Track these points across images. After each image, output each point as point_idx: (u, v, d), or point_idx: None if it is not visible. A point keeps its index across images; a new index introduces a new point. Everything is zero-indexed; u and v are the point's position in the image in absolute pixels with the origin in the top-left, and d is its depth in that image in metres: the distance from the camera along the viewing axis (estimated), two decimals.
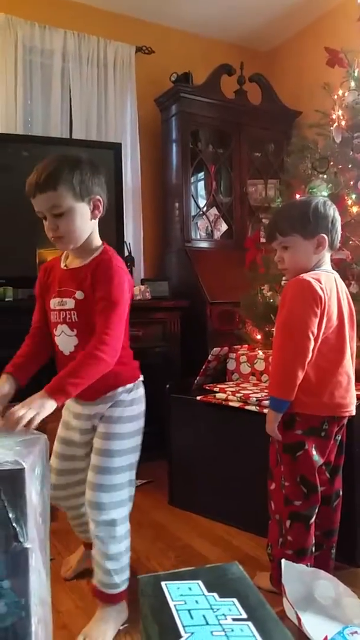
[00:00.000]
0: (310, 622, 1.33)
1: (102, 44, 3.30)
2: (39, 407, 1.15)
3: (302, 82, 3.66)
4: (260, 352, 2.44)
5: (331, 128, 2.38)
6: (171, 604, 0.69)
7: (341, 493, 1.62)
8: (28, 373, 1.42)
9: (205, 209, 3.51)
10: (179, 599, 0.70)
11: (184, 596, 0.70)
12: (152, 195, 3.55)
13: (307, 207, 1.52)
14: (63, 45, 3.18)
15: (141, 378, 1.51)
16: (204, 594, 0.70)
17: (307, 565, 1.50)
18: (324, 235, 1.51)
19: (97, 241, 1.43)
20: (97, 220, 1.41)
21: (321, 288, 1.46)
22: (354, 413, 1.55)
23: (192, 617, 0.65)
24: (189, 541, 1.98)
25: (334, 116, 2.41)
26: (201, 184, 3.62)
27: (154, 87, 3.45)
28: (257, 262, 2.73)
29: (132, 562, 1.75)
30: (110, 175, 2.96)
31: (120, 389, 1.43)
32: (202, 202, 3.55)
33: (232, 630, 0.64)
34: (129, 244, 3.24)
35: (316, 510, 1.52)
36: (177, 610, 0.67)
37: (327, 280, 1.50)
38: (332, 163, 2.37)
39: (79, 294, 1.36)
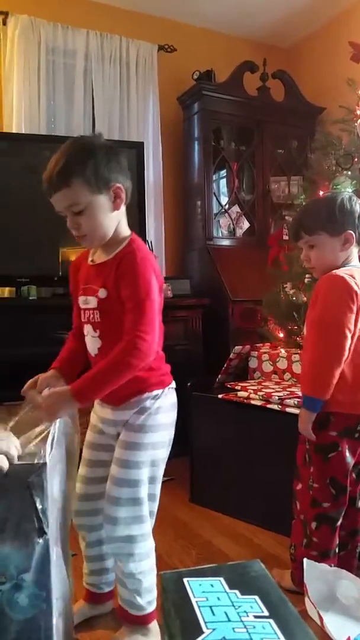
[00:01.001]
0: (333, 622, 1.32)
1: (124, 43, 3.31)
2: (60, 405, 1.15)
3: (326, 78, 3.62)
4: (283, 351, 2.42)
5: (355, 124, 2.35)
6: (193, 600, 0.69)
7: None
8: (74, 369, 1.37)
9: (227, 206, 3.50)
10: (201, 596, 0.70)
11: (206, 593, 0.70)
12: (174, 194, 3.55)
13: (332, 203, 1.49)
14: (85, 45, 3.20)
15: (172, 385, 1.37)
16: (225, 591, 0.70)
17: (330, 566, 1.48)
18: (351, 232, 1.48)
19: (125, 232, 1.31)
20: (122, 210, 1.29)
21: (356, 284, 1.42)
22: None
23: (213, 614, 0.66)
24: (210, 539, 1.98)
25: (358, 112, 2.38)
26: (223, 182, 3.61)
27: (176, 85, 3.45)
28: (279, 260, 2.72)
29: None
30: (133, 174, 2.91)
31: (145, 395, 1.30)
32: (224, 200, 3.54)
33: (254, 627, 0.64)
34: (151, 242, 3.26)
35: (343, 512, 1.49)
36: (199, 607, 0.68)
37: (359, 275, 1.47)
38: (356, 159, 2.34)
39: (101, 292, 1.26)
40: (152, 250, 3.20)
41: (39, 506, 0.92)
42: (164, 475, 2.55)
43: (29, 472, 0.93)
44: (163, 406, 1.32)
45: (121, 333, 1.22)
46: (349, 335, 1.40)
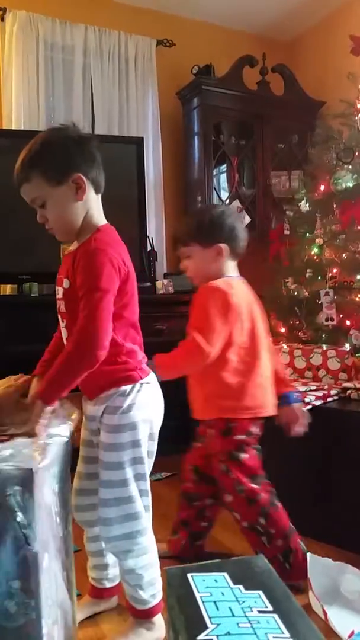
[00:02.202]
0: (337, 616, 1.33)
1: (122, 38, 3.29)
2: (37, 417, 1.13)
3: (326, 72, 3.61)
4: (285, 346, 2.42)
5: (356, 118, 2.35)
6: (197, 595, 0.69)
7: None
8: None
9: (227, 201, 3.49)
10: (205, 591, 0.70)
11: (210, 588, 0.71)
12: (174, 189, 3.54)
13: (204, 216, 1.59)
14: (84, 40, 3.19)
15: (146, 380, 1.32)
16: (229, 586, 0.70)
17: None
18: (222, 245, 1.57)
19: (96, 222, 1.27)
20: (89, 200, 1.25)
21: (233, 293, 1.53)
22: (272, 413, 1.62)
23: (218, 609, 0.66)
24: (214, 534, 1.97)
25: (359, 106, 2.37)
26: (223, 177, 3.60)
27: (175, 80, 3.44)
28: (281, 255, 2.71)
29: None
30: (133, 169, 2.96)
31: (112, 391, 1.27)
32: (224, 195, 3.53)
33: (258, 622, 0.64)
34: (152, 238, 3.25)
35: (274, 493, 1.58)
36: (203, 602, 0.68)
37: (237, 285, 1.59)
38: (357, 153, 2.33)
39: (65, 282, 1.25)
40: (153, 246, 3.20)
41: (19, 520, 0.90)
42: (167, 471, 2.56)
43: (13, 478, 0.89)
44: (136, 403, 1.28)
45: None
46: (220, 342, 1.50)
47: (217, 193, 3.47)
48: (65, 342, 1.31)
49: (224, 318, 1.51)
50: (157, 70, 3.41)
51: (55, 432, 1.13)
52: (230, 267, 1.64)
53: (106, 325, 1.17)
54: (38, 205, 1.24)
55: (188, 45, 3.52)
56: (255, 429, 1.60)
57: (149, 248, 3.12)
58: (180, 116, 3.52)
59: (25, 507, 0.91)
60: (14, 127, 2.96)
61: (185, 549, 1.75)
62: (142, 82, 3.36)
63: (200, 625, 0.63)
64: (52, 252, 2.52)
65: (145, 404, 1.30)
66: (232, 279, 1.61)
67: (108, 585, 1.48)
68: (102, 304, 1.16)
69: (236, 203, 3.50)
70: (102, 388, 1.27)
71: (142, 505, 1.30)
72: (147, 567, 1.31)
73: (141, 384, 1.30)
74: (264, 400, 1.59)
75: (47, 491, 1.02)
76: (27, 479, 0.91)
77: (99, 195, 1.30)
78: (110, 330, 1.19)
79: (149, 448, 1.32)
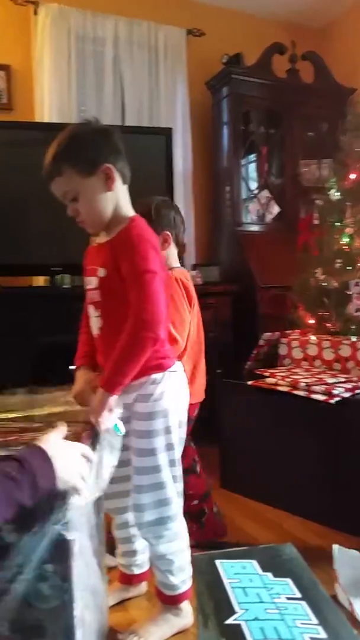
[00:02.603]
0: None
1: (152, 28, 3.29)
2: (100, 405, 1.17)
3: (357, 58, 3.53)
4: (313, 337, 2.41)
5: None
6: (225, 581, 0.71)
7: None
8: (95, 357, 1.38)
9: (256, 191, 3.46)
10: (233, 577, 0.72)
11: (238, 574, 0.72)
12: (203, 180, 3.53)
13: (147, 206, 1.61)
14: (114, 32, 3.19)
15: (174, 368, 1.34)
16: (258, 573, 0.72)
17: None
18: (167, 232, 1.65)
19: (126, 212, 1.30)
20: (118, 190, 1.28)
21: (188, 282, 1.67)
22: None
23: (246, 595, 0.67)
24: (241, 524, 2.00)
25: None
26: (252, 166, 3.57)
27: (204, 69, 3.41)
28: (310, 245, 2.69)
29: None
30: (161, 160, 2.97)
31: (144, 379, 1.28)
32: (253, 185, 3.51)
33: (286, 609, 0.65)
34: None
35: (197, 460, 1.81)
36: (231, 588, 0.69)
37: (186, 274, 1.72)
38: None
39: (101, 271, 1.27)
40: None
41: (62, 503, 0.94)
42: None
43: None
44: (167, 391, 1.30)
45: (121, 312, 1.22)
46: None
47: (245, 183, 3.45)
48: (96, 332, 1.33)
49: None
50: (187, 60, 3.39)
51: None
52: (175, 255, 1.73)
53: (161, 305, 1.20)
54: (69, 199, 1.26)
55: (218, 35, 3.48)
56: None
57: None
58: (209, 106, 3.50)
59: (59, 492, 0.94)
60: (45, 120, 2.99)
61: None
62: (172, 73, 3.35)
63: (228, 610, 0.65)
64: (83, 245, 2.56)
65: (175, 392, 1.33)
66: (181, 269, 1.74)
67: (137, 571, 1.51)
68: (154, 286, 1.20)
69: (265, 193, 3.47)
70: (133, 376, 1.25)
71: (175, 491, 1.32)
72: (177, 552, 1.34)
73: (170, 372, 1.33)
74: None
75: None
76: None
77: (126, 186, 1.32)
78: (165, 310, 1.22)
79: (179, 435, 1.35)
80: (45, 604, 0.96)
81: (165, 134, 3.02)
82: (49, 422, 1.17)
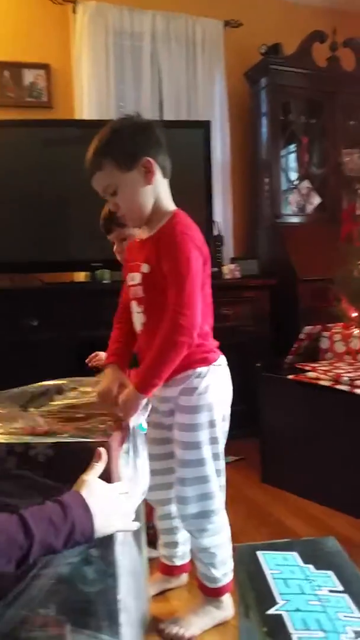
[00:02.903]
0: None
1: (190, 21, 3.28)
2: (132, 405, 1.19)
3: None
4: (357, 331, 2.36)
5: None
6: (267, 572, 0.70)
7: None
8: (128, 355, 1.39)
9: (296, 182, 3.41)
10: (275, 568, 0.71)
11: (280, 566, 0.72)
12: (241, 172, 3.50)
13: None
14: (152, 26, 3.20)
15: (219, 362, 1.35)
16: (299, 565, 0.71)
17: None
18: None
19: (167, 206, 1.30)
20: (159, 184, 1.27)
21: None
22: None
23: (287, 586, 0.67)
24: (282, 519, 1.98)
25: None
26: (292, 157, 3.51)
27: (243, 61, 3.37)
28: (352, 236, 2.63)
29: None
30: (199, 153, 2.96)
31: (190, 372, 1.29)
32: (293, 176, 3.45)
33: (329, 601, 0.64)
34: (218, 223, 3.24)
35: None
36: (273, 579, 0.69)
37: None
38: None
39: (144, 267, 1.27)
40: (220, 231, 3.20)
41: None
42: (234, 455, 2.58)
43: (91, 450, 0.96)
44: (211, 384, 1.31)
45: (164, 307, 1.22)
46: None
47: (285, 174, 3.40)
48: (139, 327, 1.33)
49: None
50: (225, 52, 3.37)
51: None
52: None
53: (197, 310, 1.21)
54: (110, 193, 1.26)
55: (256, 25, 3.43)
56: None
57: (215, 233, 3.12)
58: (247, 97, 3.47)
59: (103, 479, 0.97)
60: (85, 117, 3.03)
61: None
62: (210, 65, 3.33)
63: (270, 601, 0.64)
64: None
65: (220, 386, 1.33)
66: None
67: (178, 562, 1.52)
68: (194, 288, 1.20)
69: (305, 183, 3.41)
70: (177, 370, 1.26)
71: (218, 485, 1.32)
72: (220, 546, 1.34)
73: (215, 365, 1.33)
74: None
75: (121, 465, 1.07)
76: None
77: (167, 180, 1.32)
78: (200, 314, 1.22)
79: (222, 428, 1.35)
80: (90, 587, 0.99)
81: (203, 127, 3.01)
82: (90, 414, 1.21)
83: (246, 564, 0.74)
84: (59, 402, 1.34)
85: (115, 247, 1.72)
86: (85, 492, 0.94)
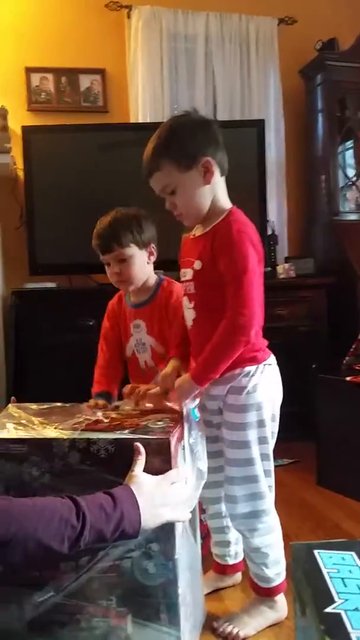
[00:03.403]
0: None
1: (243, 21, 3.26)
2: (186, 391, 1.23)
3: None
4: None
5: None
6: (324, 571, 0.69)
7: None
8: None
9: (355, 178, 3.33)
10: (332, 567, 0.70)
11: (337, 565, 0.71)
12: (297, 170, 3.45)
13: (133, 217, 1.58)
14: (205, 28, 3.21)
15: (268, 361, 1.33)
16: (357, 565, 0.70)
17: None
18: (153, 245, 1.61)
19: (223, 204, 1.30)
20: (216, 182, 1.27)
21: None
22: None
23: (345, 585, 0.66)
24: (339, 522, 1.94)
25: None
26: (349, 153, 3.43)
27: (297, 58, 3.32)
28: None
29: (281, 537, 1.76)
30: (254, 153, 2.95)
31: (238, 371, 1.28)
32: (351, 172, 3.37)
33: None
34: (273, 222, 3.21)
35: None
36: (330, 578, 0.68)
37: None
38: None
39: (197, 264, 1.28)
40: (274, 230, 3.16)
41: None
42: (289, 458, 2.55)
43: (154, 446, 1.01)
44: (260, 383, 1.29)
45: (215, 304, 1.23)
46: None
47: (342, 170, 3.33)
48: (190, 323, 1.34)
49: None
50: (279, 50, 3.33)
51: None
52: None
53: (257, 307, 1.22)
54: (168, 193, 1.27)
55: (310, 21, 3.38)
56: None
57: (269, 232, 3.09)
58: (302, 94, 3.41)
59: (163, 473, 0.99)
60: (140, 120, 3.08)
61: None
62: (264, 63, 3.31)
63: (327, 599, 0.64)
64: (176, 242, 2.61)
65: (269, 385, 1.32)
66: None
67: (231, 562, 1.51)
68: (252, 286, 1.21)
69: None
70: (227, 368, 1.26)
71: (267, 485, 1.31)
72: (272, 545, 1.33)
73: (265, 364, 1.32)
74: None
75: (180, 461, 1.08)
76: (165, 449, 1.00)
77: (224, 178, 1.32)
78: (257, 313, 1.23)
79: (272, 429, 1.33)
80: (151, 581, 1.02)
81: (258, 126, 2.99)
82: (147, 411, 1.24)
83: (302, 562, 0.73)
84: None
85: (110, 269, 1.59)
86: (134, 486, 0.96)
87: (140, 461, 1.02)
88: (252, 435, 1.29)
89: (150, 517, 0.96)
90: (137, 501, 0.94)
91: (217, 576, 1.53)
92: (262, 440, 1.30)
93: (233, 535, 1.48)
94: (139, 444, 1.03)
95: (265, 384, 1.30)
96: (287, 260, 3.19)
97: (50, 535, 0.83)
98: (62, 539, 0.84)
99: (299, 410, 2.21)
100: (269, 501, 1.32)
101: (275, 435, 1.35)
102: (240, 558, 1.51)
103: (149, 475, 1.01)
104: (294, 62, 3.34)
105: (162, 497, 1.00)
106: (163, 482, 1.02)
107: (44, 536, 0.83)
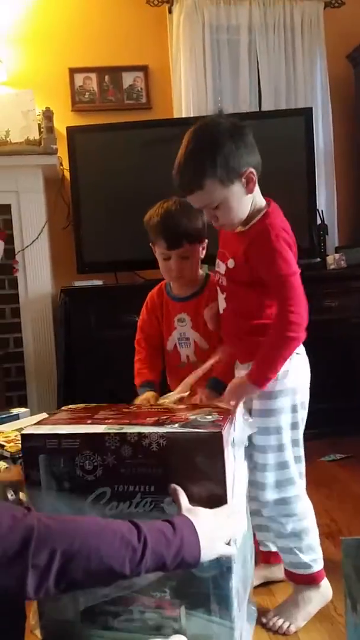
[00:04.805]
0: None
1: (287, 8, 3.19)
2: (243, 392, 1.24)
3: None
4: None
5: None
6: None
7: None
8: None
9: None
10: None
11: None
12: (346, 157, 3.35)
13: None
14: (249, 18, 3.16)
15: (297, 350, 1.32)
16: None
17: None
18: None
19: (259, 203, 1.31)
20: (255, 188, 1.28)
21: None
22: None
23: None
24: None
25: None
26: None
27: (345, 42, 3.22)
28: None
29: (333, 532, 1.72)
30: (301, 141, 2.89)
31: None
32: None
33: None
34: (322, 211, 3.14)
35: None
36: None
37: None
38: None
39: (230, 262, 1.31)
40: (323, 220, 3.09)
41: (217, 473, 1.01)
42: (342, 453, 2.50)
43: (205, 440, 1.01)
44: (291, 370, 1.30)
45: (244, 299, 1.30)
46: None
47: None
48: (221, 310, 1.39)
49: None
50: (325, 35, 3.23)
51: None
52: None
53: (305, 305, 1.24)
54: (211, 208, 1.26)
55: (358, 2, 3.27)
56: None
57: (318, 222, 3.02)
58: (351, 79, 3.30)
59: (214, 470, 1.00)
60: (183, 115, 3.07)
61: None
62: (309, 50, 3.22)
63: None
64: (216, 238, 2.60)
65: (298, 372, 1.34)
66: None
67: (273, 548, 1.49)
68: (299, 287, 1.24)
69: None
70: (255, 355, 1.28)
71: (297, 472, 1.32)
72: (304, 531, 1.33)
73: (295, 353, 1.31)
74: None
75: (229, 456, 1.08)
76: (216, 442, 1.00)
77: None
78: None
79: (301, 415, 1.34)
80: (205, 573, 1.02)
81: (305, 114, 2.93)
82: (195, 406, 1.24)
83: (352, 557, 0.71)
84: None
85: (171, 263, 1.54)
86: (191, 516, 0.96)
87: (184, 497, 1.02)
88: (282, 421, 1.30)
89: (209, 548, 0.96)
90: (196, 530, 0.94)
91: (264, 566, 1.52)
92: (294, 426, 1.32)
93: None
94: (174, 486, 1.02)
95: (294, 371, 1.32)
96: (337, 250, 3.11)
97: (112, 555, 0.84)
98: (124, 561, 0.84)
99: (350, 405, 2.17)
100: (299, 488, 1.33)
101: (304, 423, 1.36)
102: None
103: (205, 509, 1.01)
104: (342, 46, 3.24)
105: (217, 531, 0.99)
106: (219, 514, 1.02)
107: (106, 555, 0.83)
